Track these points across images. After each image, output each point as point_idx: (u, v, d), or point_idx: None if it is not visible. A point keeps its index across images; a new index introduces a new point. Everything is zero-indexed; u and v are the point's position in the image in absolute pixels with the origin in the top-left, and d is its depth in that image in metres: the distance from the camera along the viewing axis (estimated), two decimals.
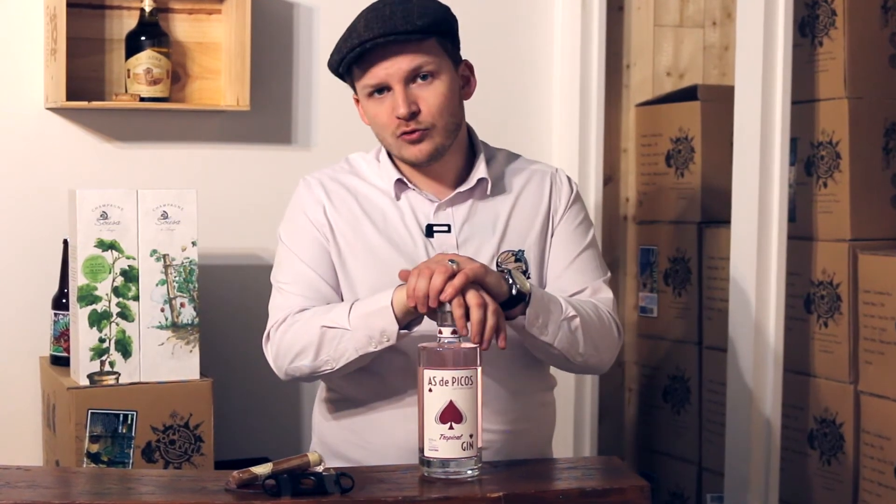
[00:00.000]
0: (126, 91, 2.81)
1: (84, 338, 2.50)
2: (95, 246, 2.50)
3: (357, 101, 2.23)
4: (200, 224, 2.61)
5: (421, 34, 2.10)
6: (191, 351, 2.57)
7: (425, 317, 2.02)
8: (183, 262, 2.56)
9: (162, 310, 2.55)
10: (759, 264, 2.78)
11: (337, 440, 2.21)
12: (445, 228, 2.18)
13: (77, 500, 1.86)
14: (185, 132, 2.95)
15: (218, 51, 2.94)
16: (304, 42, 3.03)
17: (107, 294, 2.51)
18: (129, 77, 2.80)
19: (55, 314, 2.70)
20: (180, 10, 2.91)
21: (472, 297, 1.96)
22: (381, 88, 2.13)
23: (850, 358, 2.77)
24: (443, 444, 1.89)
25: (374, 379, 2.16)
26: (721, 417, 3.01)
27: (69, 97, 2.69)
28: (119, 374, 2.53)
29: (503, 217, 2.22)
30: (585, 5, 3.18)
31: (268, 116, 3.00)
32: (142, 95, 2.79)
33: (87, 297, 2.50)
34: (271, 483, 1.82)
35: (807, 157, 2.89)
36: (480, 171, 2.21)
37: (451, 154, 2.19)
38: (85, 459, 2.47)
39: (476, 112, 3.06)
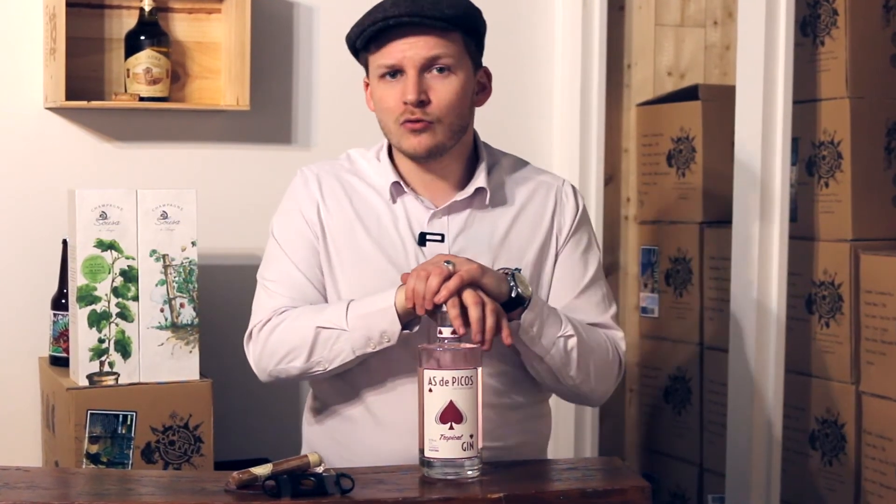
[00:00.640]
0: (125, 91, 2.81)
1: (83, 338, 2.50)
2: (95, 246, 2.50)
3: (366, 85, 2.18)
4: (200, 224, 2.60)
5: (447, 23, 2.06)
6: (190, 351, 2.57)
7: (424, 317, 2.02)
8: (182, 263, 2.55)
9: (161, 310, 2.54)
10: (760, 264, 2.78)
11: (320, 447, 2.18)
12: (439, 238, 2.14)
13: (76, 500, 1.85)
14: (185, 132, 2.94)
15: (218, 50, 2.94)
16: (304, 42, 3.03)
17: (106, 294, 2.51)
18: (128, 77, 2.80)
19: (54, 314, 2.70)
20: (180, 9, 2.90)
21: (468, 296, 1.95)
22: (395, 72, 2.08)
23: (851, 358, 2.77)
24: (443, 444, 1.88)
25: (360, 382, 2.13)
26: (722, 418, 3.01)
27: (68, 97, 2.68)
28: (118, 375, 2.52)
29: (501, 231, 2.16)
30: (586, 5, 3.17)
31: (268, 116, 3.00)
32: (141, 95, 2.78)
33: (87, 297, 2.49)
34: (271, 484, 1.81)
35: (808, 157, 2.88)
36: (480, 179, 2.16)
37: (452, 158, 2.15)
38: (84, 460, 2.47)
39: (476, 112, 3.06)
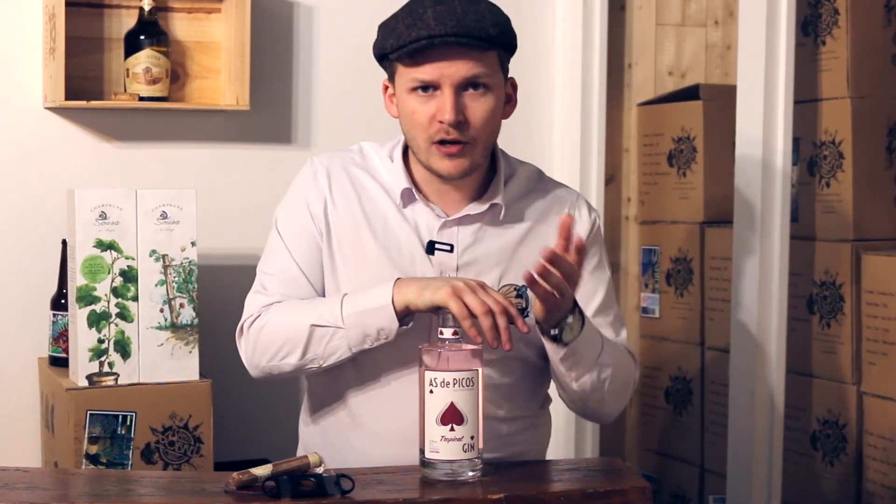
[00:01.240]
0: (125, 90, 2.80)
1: (83, 338, 2.49)
2: (94, 246, 2.49)
3: (386, 87, 2.11)
4: (200, 224, 2.60)
5: (490, 44, 2.01)
6: (190, 352, 2.56)
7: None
8: (182, 263, 2.55)
9: (161, 310, 2.54)
10: (761, 264, 2.77)
11: (315, 449, 2.14)
12: (448, 248, 2.08)
13: (76, 501, 1.85)
14: (185, 132, 2.94)
15: (217, 50, 2.93)
16: (304, 41, 3.02)
17: (106, 294, 2.50)
18: (128, 76, 2.79)
19: (54, 315, 2.69)
20: (180, 8, 2.90)
21: (475, 307, 1.92)
22: (428, 86, 2.01)
23: (852, 359, 2.76)
24: (444, 445, 1.88)
25: (353, 381, 2.11)
26: (723, 418, 3.00)
27: (68, 97, 2.68)
28: (118, 375, 2.52)
29: (511, 247, 2.11)
30: (587, 4, 3.17)
31: (268, 116, 3.00)
32: (141, 95, 2.78)
33: (86, 297, 2.49)
34: (271, 484, 1.81)
35: (809, 157, 2.88)
36: (497, 195, 2.10)
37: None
38: (84, 461, 2.46)
39: None
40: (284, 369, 2.10)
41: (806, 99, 2.84)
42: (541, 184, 2.20)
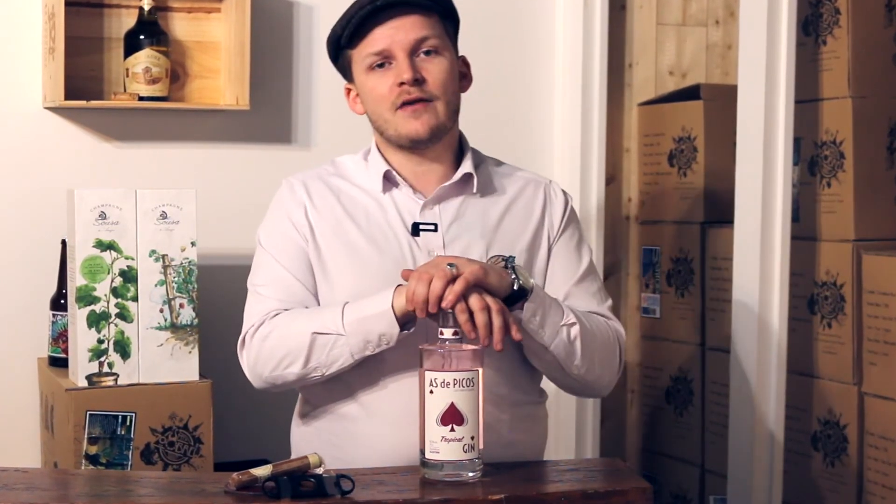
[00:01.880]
0: (125, 90, 2.80)
1: (82, 339, 2.49)
2: (94, 246, 2.49)
3: (348, 92, 2.21)
4: (200, 224, 2.60)
5: (431, 3, 2.11)
6: (190, 352, 2.56)
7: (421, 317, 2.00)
8: (182, 263, 2.54)
9: (161, 310, 2.53)
10: (762, 265, 2.77)
11: (311, 451, 2.13)
12: (432, 227, 2.14)
13: (75, 501, 1.85)
14: (185, 132, 2.94)
15: (217, 50, 2.93)
16: (304, 41, 3.02)
17: (105, 295, 2.50)
18: (127, 76, 2.79)
19: (53, 315, 2.69)
20: (179, 8, 2.89)
21: (474, 301, 1.94)
22: (383, 62, 2.10)
23: (854, 359, 2.76)
24: (444, 446, 1.88)
25: (352, 385, 2.11)
26: (724, 419, 3.00)
27: (67, 96, 2.68)
28: (118, 376, 2.51)
29: (494, 219, 2.18)
30: (587, 4, 3.17)
31: (267, 116, 2.99)
32: (140, 95, 2.78)
33: (86, 297, 2.49)
34: (271, 485, 1.80)
35: (810, 157, 2.87)
36: (466, 166, 2.18)
37: (442, 148, 2.17)
38: (83, 461, 2.46)
39: (478, 111, 3.05)
40: (288, 379, 2.10)
41: (807, 99, 2.84)
42: (509, 168, 2.29)
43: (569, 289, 2.19)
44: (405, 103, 2.10)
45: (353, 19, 2.10)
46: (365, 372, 2.09)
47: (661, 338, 3.34)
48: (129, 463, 2.49)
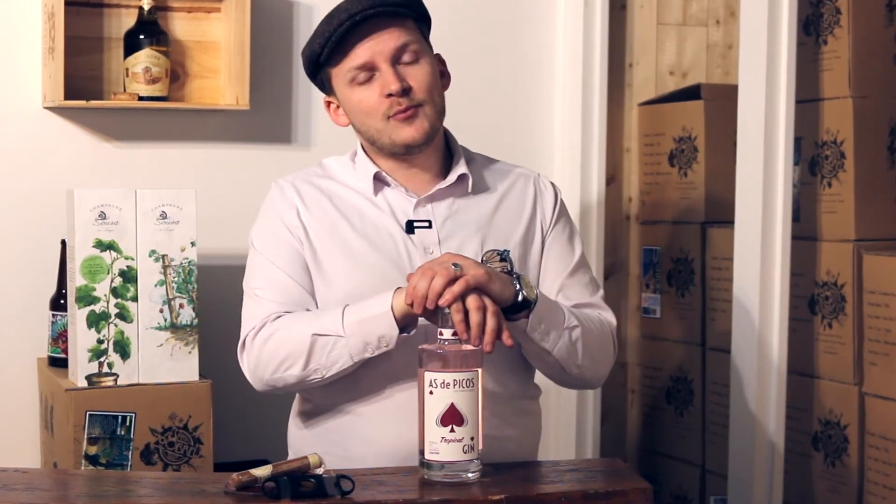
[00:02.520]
0: (124, 90, 2.80)
1: (82, 339, 2.49)
2: (94, 246, 2.49)
3: (328, 105, 2.21)
4: (199, 224, 2.59)
5: (407, 8, 2.11)
6: (190, 352, 2.56)
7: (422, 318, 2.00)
8: (182, 263, 2.54)
9: (161, 311, 2.53)
10: (762, 265, 2.77)
11: (309, 451, 2.13)
12: (426, 224, 2.15)
13: (75, 502, 1.85)
14: (184, 131, 2.94)
15: (217, 49, 2.93)
16: (304, 41, 3.00)
17: (105, 295, 2.50)
18: (127, 76, 2.79)
19: (53, 315, 2.69)
20: (179, 8, 2.89)
21: (471, 300, 1.94)
22: (366, 74, 2.10)
23: (854, 359, 2.76)
24: (444, 446, 1.87)
25: (352, 385, 2.11)
26: (724, 419, 3.00)
27: (67, 96, 2.67)
28: (117, 376, 2.51)
29: (487, 215, 2.19)
30: (588, 4, 3.17)
31: (267, 116, 2.99)
32: (140, 94, 2.78)
33: (86, 297, 2.48)
34: (271, 485, 1.80)
35: (811, 157, 2.87)
36: (461, 167, 2.19)
37: (432, 149, 2.18)
38: (83, 461, 2.46)
39: (478, 112, 3.05)
40: (288, 381, 2.10)
41: (807, 98, 2.84)
42: (499, 164, 2.30)
43: (563, 281, 2.21)
44: (397, 113, 2.10)
45: (333, 37, 2.09)
46: (366, 371, 2.09)
47: (661, 338, 3.34)
48: (129, 463, 2.49)
